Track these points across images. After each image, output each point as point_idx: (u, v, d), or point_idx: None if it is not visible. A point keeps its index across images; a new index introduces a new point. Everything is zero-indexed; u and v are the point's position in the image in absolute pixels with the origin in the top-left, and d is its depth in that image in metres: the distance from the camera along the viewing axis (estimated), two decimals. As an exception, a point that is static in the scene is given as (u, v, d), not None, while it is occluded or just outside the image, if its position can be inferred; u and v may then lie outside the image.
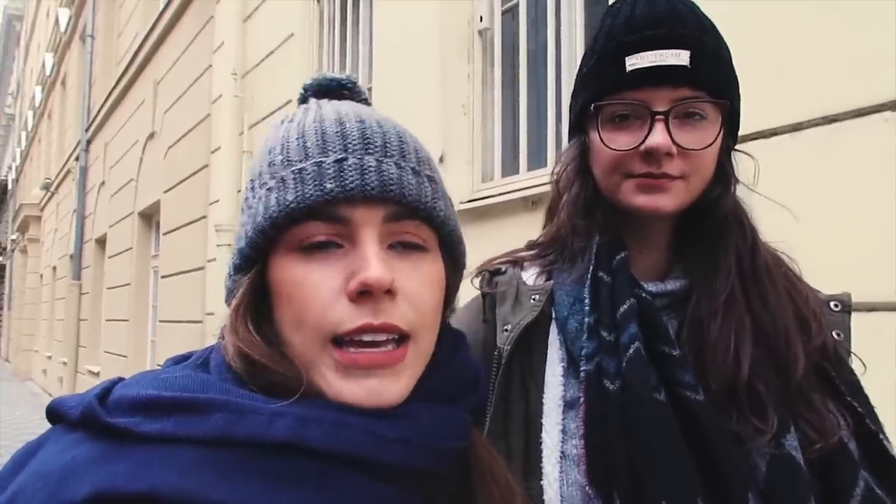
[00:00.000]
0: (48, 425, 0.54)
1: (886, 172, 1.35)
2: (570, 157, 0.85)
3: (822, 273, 0.86)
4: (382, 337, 0.53)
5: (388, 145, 0.56)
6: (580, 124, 0.83)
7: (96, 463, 0.46)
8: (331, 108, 0.60)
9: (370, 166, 0.54)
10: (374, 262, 0.52)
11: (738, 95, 0.81)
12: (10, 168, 23.09)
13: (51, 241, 14.03)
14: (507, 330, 0.79)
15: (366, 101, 0.65)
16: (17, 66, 23.76)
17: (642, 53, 0.74)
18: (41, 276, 15.60)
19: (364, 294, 0.52)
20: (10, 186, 22.80)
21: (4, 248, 23.46)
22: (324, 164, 0.54)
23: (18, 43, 23.77)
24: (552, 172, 0.89)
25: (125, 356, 7.42)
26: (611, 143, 0.77)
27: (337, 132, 0.56)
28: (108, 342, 8.60)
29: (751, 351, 0.73)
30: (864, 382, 0.78)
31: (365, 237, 0.53)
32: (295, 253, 0.54)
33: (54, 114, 14.26)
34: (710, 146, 0.75)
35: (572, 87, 0.86)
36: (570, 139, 0.87)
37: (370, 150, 0.55)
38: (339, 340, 0.53)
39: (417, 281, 0.55)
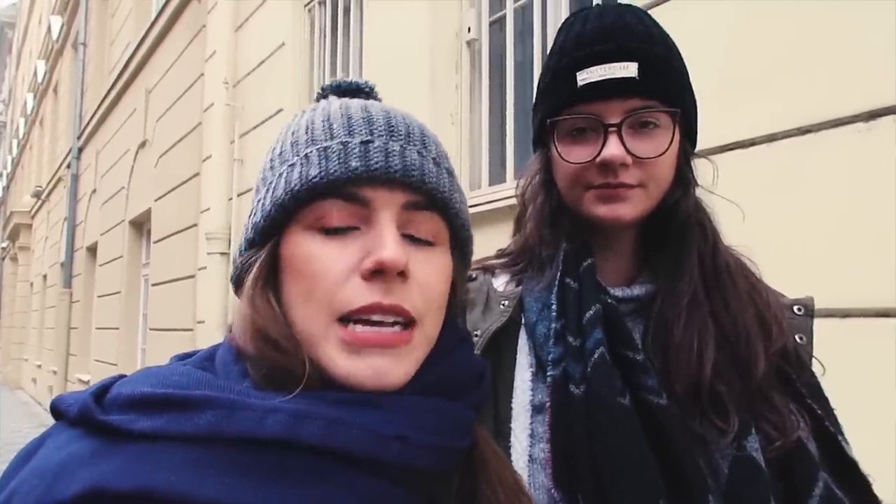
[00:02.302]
0: (38, 433, 0.54)
1: (859, 181, 1.38)
2: (534, 170, 0.86)
3: (796, 278, 0.87)
4: (390, 319, 0.53)
5: (412, 135, 0.58)
6: (541, 139, 0.84)
7: (89, 460, 0.46)
8: (356, 101, 0.61)
9: (394, 150, 0.55)
10: (390, 243, 0.52)
11: (693, 101, 0.82)
12: (0, 175, 22.97)
13: (41, 250, 13.94)
14: (476, 336, 0.79)
15: None
16: (9, 73, 23.71)
17: (592, 68, 0.76)
18: (31, 284, 15.49)
19: (377, 273, 0.52)
20: (0, 194, 22.69)
21: (-5, 257, 23.28)
22: (349, 144, 0.55)
23: (10, 50, 23.73)
24: (517, 186, 0.90)
25: (115, 364, 7.36)
26: (568, 156, 0.78)
27: (363, 118, 0.57)
28: (98, 350, 8.54)
29: (713, 353, 0.74)
30: (835, 385, 0.79)
31: (383, 219, 0.54)
32: (311, 231, 0.55)
33: (46, 121, 14.20)
34: (664, 153, 0.76)
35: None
36: (534, 153, 0.88)
37: (395, 137, 0.56)
38: (346, 319, 0.53)
39: (428, 269, 0.56)
